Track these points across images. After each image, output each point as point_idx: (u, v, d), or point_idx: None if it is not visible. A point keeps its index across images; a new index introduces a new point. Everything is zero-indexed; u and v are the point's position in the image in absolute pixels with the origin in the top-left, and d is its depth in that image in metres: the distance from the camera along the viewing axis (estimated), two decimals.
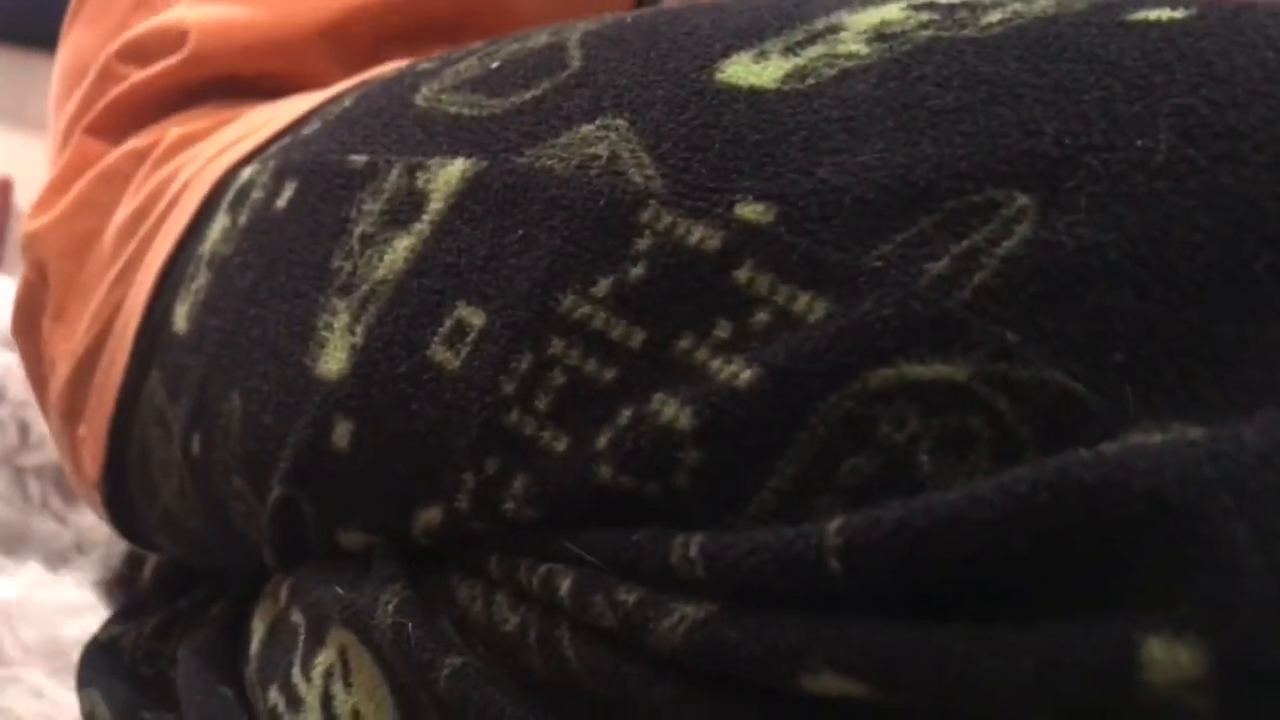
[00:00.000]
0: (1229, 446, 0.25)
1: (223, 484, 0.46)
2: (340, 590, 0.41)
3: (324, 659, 0.41)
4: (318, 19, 0.58)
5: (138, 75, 0.58)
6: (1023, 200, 0.29)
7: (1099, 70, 0.30)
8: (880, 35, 0.33)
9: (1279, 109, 0.27)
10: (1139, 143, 0.28)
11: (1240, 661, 0.24)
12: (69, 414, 0.57)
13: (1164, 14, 0.30)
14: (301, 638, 0.43)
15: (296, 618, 0.44)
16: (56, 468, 0.90)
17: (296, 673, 0.42)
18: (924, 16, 0.33)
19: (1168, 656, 0.24)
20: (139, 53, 0.59)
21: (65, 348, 0.57)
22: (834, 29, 0.34)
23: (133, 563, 0.81)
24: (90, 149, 0.59)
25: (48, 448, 0.89)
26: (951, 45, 0.32)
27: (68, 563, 0.88)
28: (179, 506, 0.51)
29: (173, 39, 0.58)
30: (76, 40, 0.65)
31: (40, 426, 0.88)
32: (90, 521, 0.89)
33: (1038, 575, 0.26)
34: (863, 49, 0.33)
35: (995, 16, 0.32)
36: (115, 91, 0.59)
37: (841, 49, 0.33)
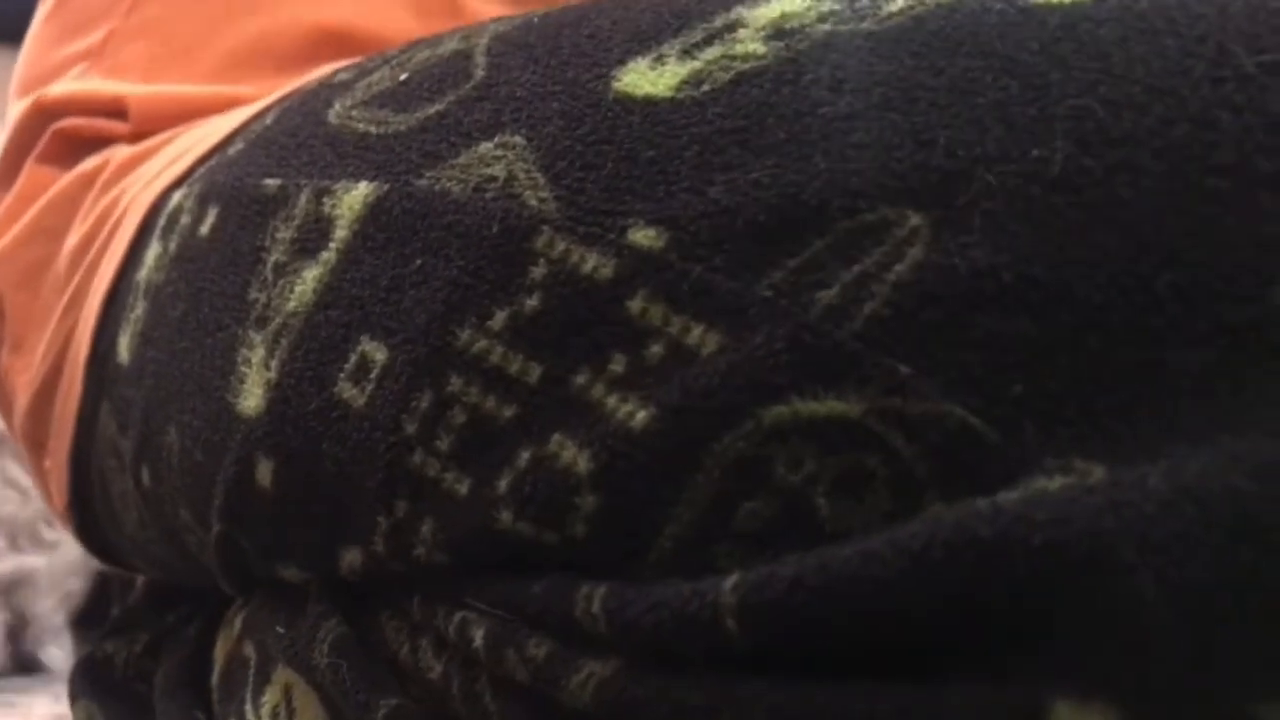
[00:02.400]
0: (1131, 493, 0.23)
1: (172, 516, 0.45)
2: (280, 630, 0.40)
3: (270, 697, 0.40)
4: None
5: (87, 121, 0.57)
6: (915, 219, 0.27)
7: (996, 68, 0.27)
8: (779, 32, 0.31)
9: (1178, 109, 0.25)
10: (1034, 152, 0.26)
11: None
12: (34, 445, 0.57)
13: None
14: (251, 674, 0.42)
15: (248, 651, 0.43)
16: None
17: (249, 709, 0.41)
18: (825, 6, 0.31)
19: None
20: (79, 108, 0.57)
21: (24, 379, 0.56)
22: (732, 26, 0.32)
23: None
24: (41, 177, 0.58)
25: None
26: (849, 41, 0.30)
27: (37, 541, 0.87)
28: (141, 535, 0.50)
29: (108, 104, 0.56)
30: (33, 54, 0.63)
31: None
32: None
33: (942, 633, 0.24)
34: (760, 48, 0.31)
35: (897, 5, 0.30)
36: (65, 124, 0.57)
37: (739, 49, 0.31)
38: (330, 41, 0.55)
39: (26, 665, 0.92)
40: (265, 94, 0.51)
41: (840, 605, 0.25)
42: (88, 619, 0.92)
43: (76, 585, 0.95)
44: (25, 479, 0.91)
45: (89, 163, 0.56)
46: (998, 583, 0.23)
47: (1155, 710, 0.22)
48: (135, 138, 0.55)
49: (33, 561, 0.92)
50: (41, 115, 0.58)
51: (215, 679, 0.46)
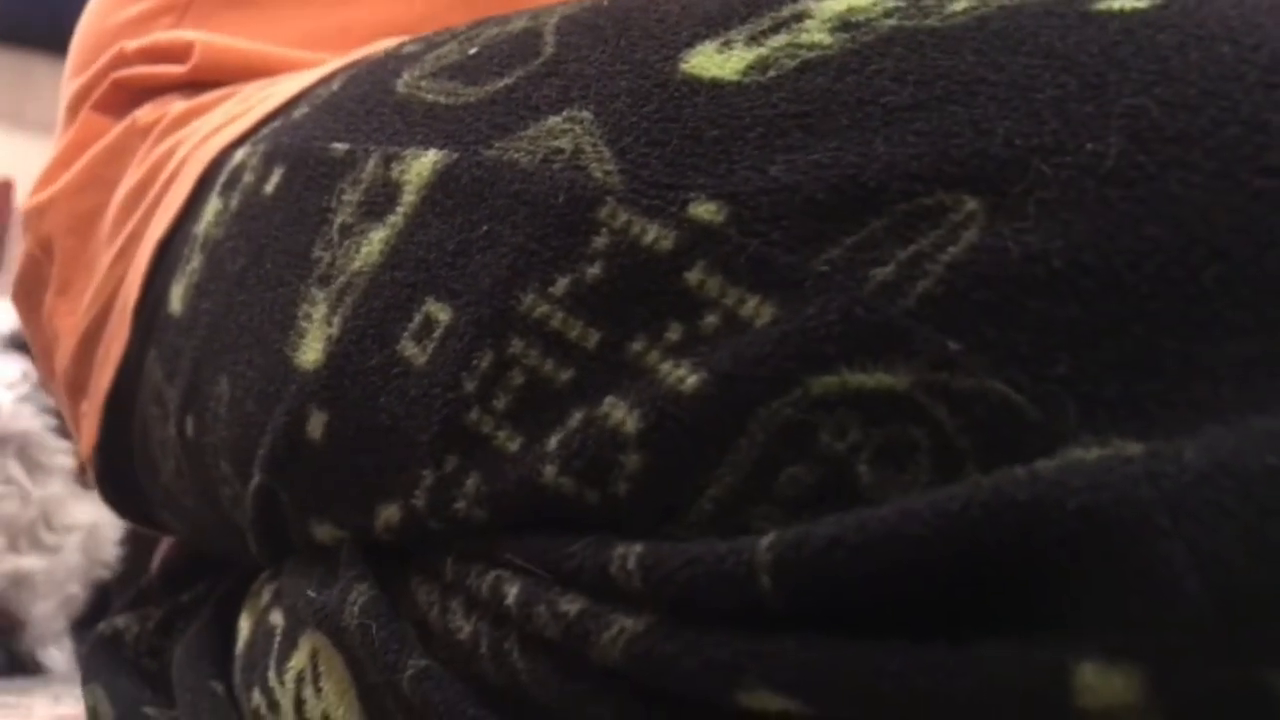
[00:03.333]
0: (1168, 465, 0.24)
1: (213, 467, 0.46)
2: (312, 593, 0.40)
3: (296, 662, 0.41)
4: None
5: (145, 69, 0.59)
6: (971, 204, 0.28)
7: (1055, 66, 0.28)
8: (845, 24, 0.32)
9: (1230, 111, 0.26)
10: (1089, 146, 0.27)
11: (1176, 687, 0.23)
12: (74, 389, 0.58)
13: (1128, 3, 0.29)
14: (277, 640, 0.43)
15: (275, 618, 0.44)
16: (20, 439, 0.89)
17: (272, 675, 0.42)
18: (890, 3, 0.32)
19: (1101, 682, 0.23)
20: (147, 57, 0.59)
21: (69, 323, 0.57)
22: (799, 16, 0.33)
23: (136, 555, 0.80)
24: (96, 124, 0.59)
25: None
26: (913, 36, 0.31)
27: (36, 544, 0.87)
28: (176, 485, 0.51)
29: (179, 50, 0.58)
30: (103, 10, 0.65)
31: None
32: (54, 493, 0.88)
33: (974, 593, 0.25)
34: (826, 39, 0.32)
35: (960, 4, 0.31)
36: (122, 73, 0.59)
37: (805, 38, 0.32)
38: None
39: (24, 667, 0.92)
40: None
41: (876, 563, 0.25)
42: (88, 625, 0.92)
43: (76, 591, 0.95)
44: (25, 480, 0.92)
45: (144, 114, 0.57)
46: (1032, 545, 0.24)
47: (1178, 675, 0.23)
48: (190, 85, 0.56)
49: (31, 563, 0.92)
50: (115, 65, 0.60)
51: (240, 649, 0.46)
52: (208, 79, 0.56)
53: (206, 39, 0.57)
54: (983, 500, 0.24)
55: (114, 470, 0.57)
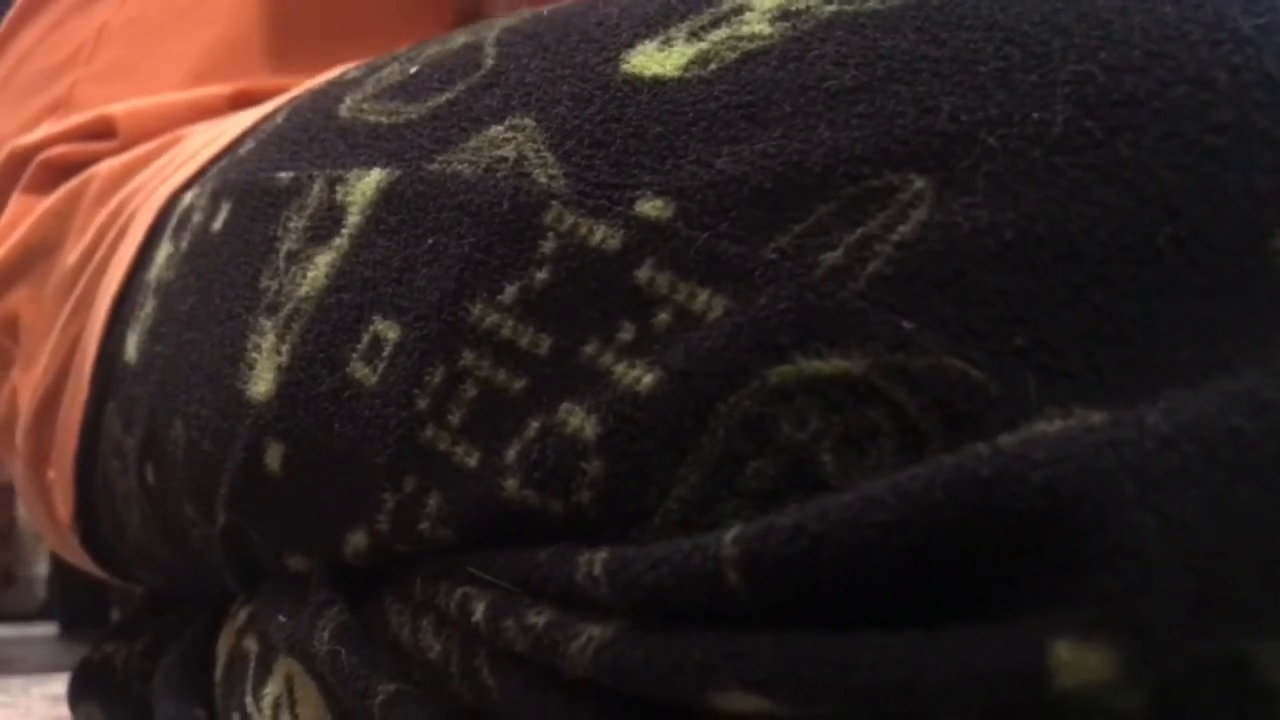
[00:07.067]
0: (1130, 432, 0.23)
1: (177, 512, 0.45)
2: (283, 619, 0.40)
3: (272, 689, 0.40)
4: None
5: (75, 146, 0.58)
6: (919, 183, 0.27)
7: (998, 38, 0.28)
8: (784, 13, 0.32)
9: (1176, 71, 0.26)
10: (1035, 115, 0.26)
11: (1153, 661, 0.23)
12: (36, 458, 0.57)
13: None
14: (252, 666, 0.42)
15: (249, 644, 0.43)
16: None
17: (250, 702, 0.41)
18: None
19: (1077, 659, 0.23)
20: (70, 138, 0.59)
21: (29, 391, 0.56)
22: (739, 10, 0.33)
23: None
24: (30, 204, 0.59)
25: None
26: (853, 20, 0.30)
27: None
28: (144, 538, 0.50)
29: (98, 127, 0.58)
30: None
31: None
32: None
33: (944, 576, 0.25)
34: (766, 29, 0.32)
35: None
36: (48, 154, 0.59)
37: (745, 30, 0.32)
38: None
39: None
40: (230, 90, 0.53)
41: (842, 550, 0.25)
42: (86, 619, 0.91)
43: None
44: None
45: (74, 181, 0.57)
46: (998, 522, 0.23)
47: (1153, 648, 0.22)
48: (124, 145, 0.56)
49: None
50: (17, 161, 0.60)
51: (219, 674, 0.46)
52: (140, 142, 0.56)
53: (120, 109, 0.57)
54: (945, 479, 0.24)
55: (94, 532, 0.55)
